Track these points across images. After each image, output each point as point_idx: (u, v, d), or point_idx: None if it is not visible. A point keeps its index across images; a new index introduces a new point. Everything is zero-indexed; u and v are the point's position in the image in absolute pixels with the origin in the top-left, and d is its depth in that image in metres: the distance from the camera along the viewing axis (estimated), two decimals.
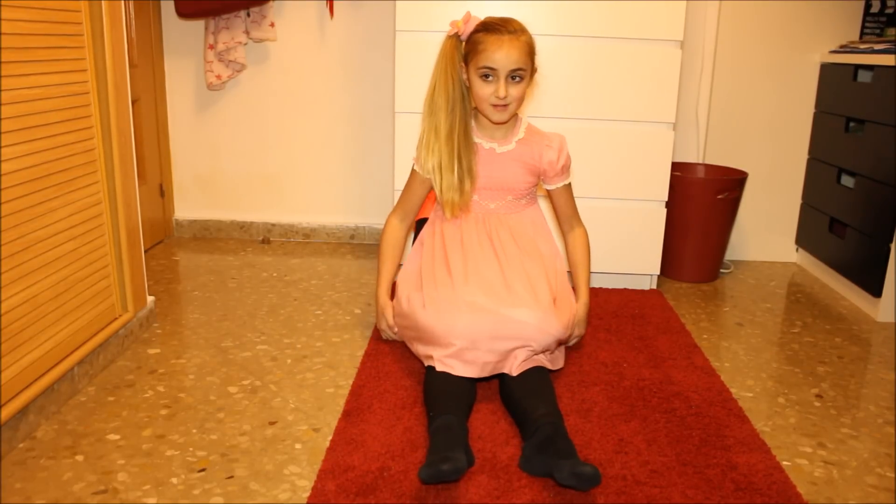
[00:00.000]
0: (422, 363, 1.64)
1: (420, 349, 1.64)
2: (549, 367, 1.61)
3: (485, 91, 1.63)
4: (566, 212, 1.83)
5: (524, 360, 1.54)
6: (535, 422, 1.34)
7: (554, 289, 1.68)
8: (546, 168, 1.75)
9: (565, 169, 1.77)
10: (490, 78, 1.62)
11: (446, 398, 1.43)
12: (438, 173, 1.69)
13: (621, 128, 2.18)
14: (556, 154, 1.74)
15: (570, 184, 1.81)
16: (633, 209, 2.23)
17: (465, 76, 1.68)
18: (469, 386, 1.51)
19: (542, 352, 1.58)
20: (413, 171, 1.80)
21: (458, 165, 1.68)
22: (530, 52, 1.63)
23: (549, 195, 1.83)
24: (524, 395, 1.44)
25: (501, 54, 1.59)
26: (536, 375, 1.51)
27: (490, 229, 1.74)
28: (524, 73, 1.63)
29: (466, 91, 1.70)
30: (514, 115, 1.74)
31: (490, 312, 1.55)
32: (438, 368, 1.51)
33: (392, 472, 1.29)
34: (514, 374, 1.52)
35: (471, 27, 1.65)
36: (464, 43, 1.68)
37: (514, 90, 1.63)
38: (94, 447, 1.38)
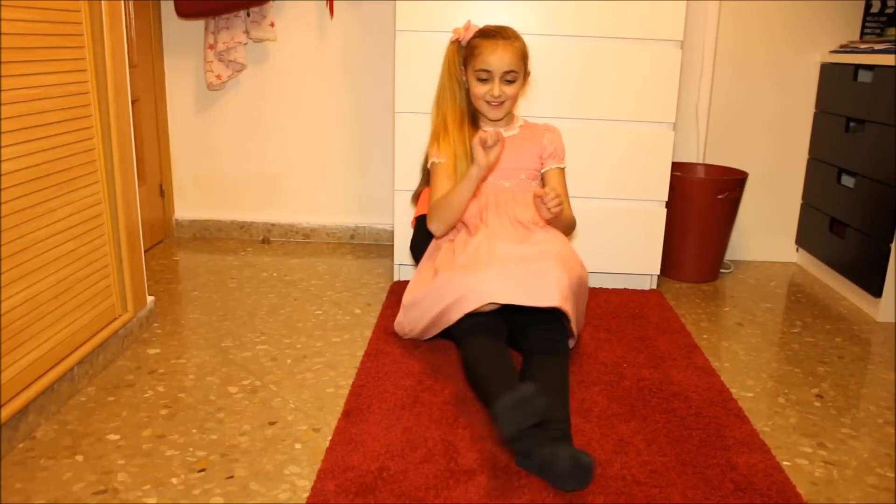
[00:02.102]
0: (429, 364, 1.64)
1: (451, 313, 1.62)
2: (574, 331, 1.65)
3: (481, 90, 1.78)
4: (560, 192, 1.83)
5: (560, 297, 1.54)
6: (548, 422, 1.33)
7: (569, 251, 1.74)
8: (546, 149, 1.87)
9: (559, 152, 1.89)
10: (486, 79, 1.77)
11: (498, 375, 1.43)
12: (453, 160, 1.80)
13: (621, 128, 2.18)
14: (552, 135, 1.90)
15: (563, 169, 1.90)
16: (633, 209, 2.23)
17: (464, 78, 1.83)
18: (507, 353, 1.53)
19: (571, 293, 1.59)
20: (434, 165, 1.84)
21: (471, 149, 1.76)
22: (523, 56, 1.78)
23: (544, 179, 1.90)
24: (545, 391, 1.43)
25: (495, 57, 1.74)
26: (558, 370, 1.51)
27: (503, 204, 1.81)
28: (517, 75, 1.78)
29: (467, 92, 1.84)
30: (510, 114, 1.89)
31: (515, 256, 1.60)
32: (474, 307, 1.55)
33: (392, 472, 1.29)
34: (554, 303, 1.53)
35: (470, 34, 1.81)
36: (463, 48, 1.83)
37: (508, 89, 1.78)
38: (94, 447, 1.38)
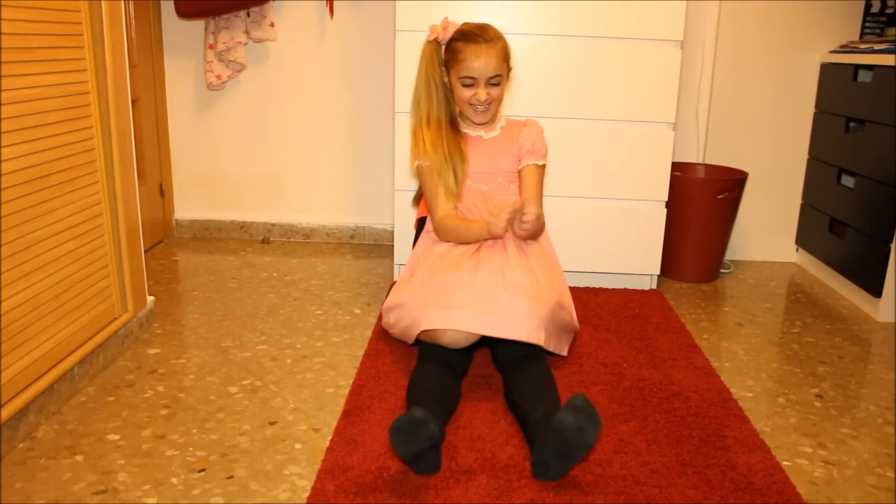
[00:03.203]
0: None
1: (415, 329, 1.60)
2: (555, 350, 1.62)
3: (465, 94, 1.75)
4: (529, 192, 1.80)
5: (530, 329, 1.52)
6: (535, 427, 1.33)
7: (547, 272, 1.70)
8: (521, 143, 1.82)
9: (537, 148, 1.82)
10: (470, 84, 1.73)
11: (427, 396, 1.40)
12: (438, 167, 1.77)
13: (621, 128, 2.18)
14: (529, 130, 1.83)
15: (541, 167, 1.82)
16: (633, 209, 2.23)
17: (446, 79, 1.79)
18: (455, 384, 1.51)
19: (545, 324, 1.56)
20: (420, 167, 1.81)
21: (450, 155, 1.77)
22: (506, 57, 1.75)
23: (519, 175, 1.83)
24: (524, 398, 1.43)
25: (480, 63, 1.70)
26: (536, 373, 1.50)
27: (477, 209, 1.79)
28: (501, 77, 1.74)
29: (449, 93, 1.81)
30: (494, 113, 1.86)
31: (485, 295, 1.55)
32: (440, 326, 1.51)
33: (391, 472, 1.29)
34: (523, 339, 1.51)
35: (449, 33, 1.76)
36: (443, 48, 1.78)
37: (494, 92, 1.75)
38: (94, 447, 1.38)
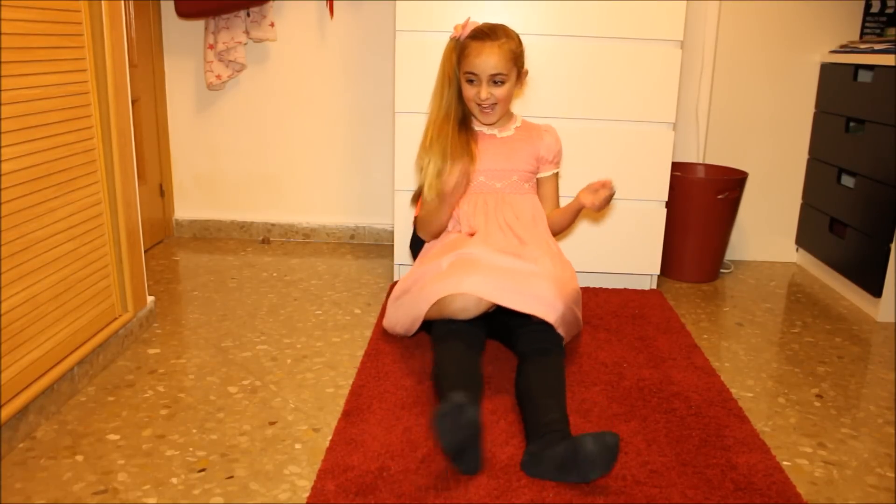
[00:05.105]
0: (429, 364, 1.64)
1: (426, 301, 1.60)
2: (564, 335, 1.62)
3: (469, 92, 1.76)
4: (552, 199, 1.89)
5: (547, 308, 1.53)
6: (547, 426, 1.32)
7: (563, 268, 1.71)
8: (543, 153, 1.85)
9: (558, 156, 1.89)
10: (473, 81, 1.74)
11: (456, 378, 1.41)
12: (429, 158, 1.76)
13: (621, 128, 2.18)
14: (552, 139, 1.87)
15: (558, 174, 1.91)
16: (633, 209, 2.23)
17: (459, 77, 1.80)
18: (478, 364, 1.51)
19: (563, 306, 1.57)
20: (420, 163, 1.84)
21: (452, 152, 1.75)
22: (513, 57, 1.74)
23: (538, 184, 1.89)
24: (540, 393, 1.42)
25: (481, 60, 1.71)
26: (554, 368, 1.49)
27: (492, 206, 1.79)
28: (505, 77, 1.73)
29: (459, 91, 1.81)
30: (508, 113, 1.86)
31: (507, 269, 1.57)
32: (452, 290, 1.51)
33: (391, 472, 1.29)
34: (539, 314, 1.53)
35: (467, 32, 1.77)
36: (459, 46, 1.79)
37: (497, 91, 1.74)
38: (94, 447, 1.38)
